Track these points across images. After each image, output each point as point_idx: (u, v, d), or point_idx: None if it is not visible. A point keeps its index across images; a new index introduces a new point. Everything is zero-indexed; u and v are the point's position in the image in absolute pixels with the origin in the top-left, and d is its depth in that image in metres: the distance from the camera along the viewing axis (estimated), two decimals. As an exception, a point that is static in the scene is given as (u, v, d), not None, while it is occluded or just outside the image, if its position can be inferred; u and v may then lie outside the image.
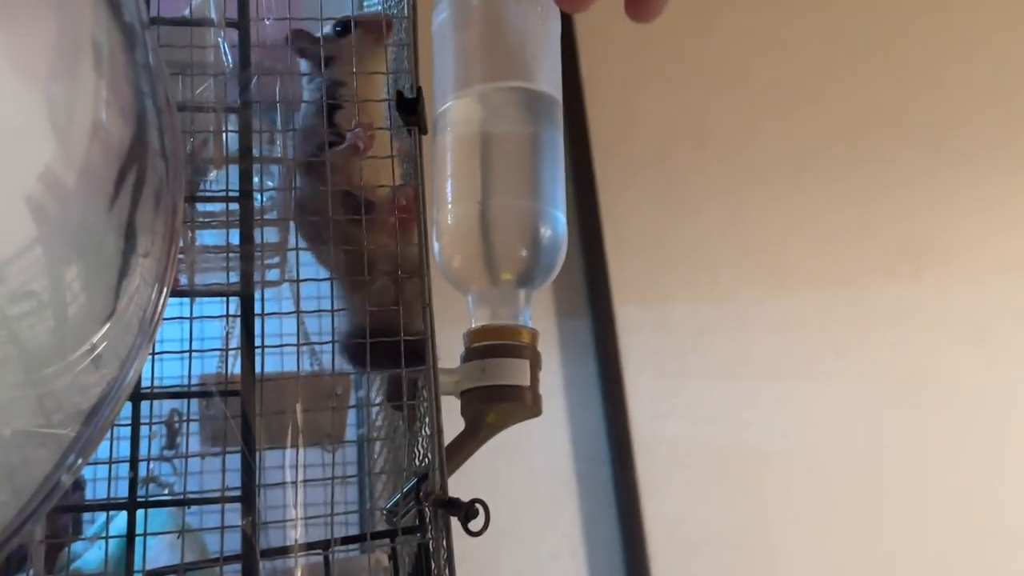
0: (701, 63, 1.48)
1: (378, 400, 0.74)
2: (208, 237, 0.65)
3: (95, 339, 0.35)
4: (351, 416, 0.89)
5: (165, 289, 0.38)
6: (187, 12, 0.56)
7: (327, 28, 0.63)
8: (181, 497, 0.46)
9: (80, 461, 0.34)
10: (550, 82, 0.57)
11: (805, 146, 1.46)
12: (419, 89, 0.55)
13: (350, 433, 0.88)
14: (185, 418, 0.61)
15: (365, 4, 0.70)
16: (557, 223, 0.55)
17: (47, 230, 0.32)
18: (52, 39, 0.32)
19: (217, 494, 0.46)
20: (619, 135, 1.42)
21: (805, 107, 1.47)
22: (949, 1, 1.56)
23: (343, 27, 0.63)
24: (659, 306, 1.37)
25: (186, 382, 0.51)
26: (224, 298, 0.49)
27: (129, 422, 0.47)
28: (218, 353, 0.53)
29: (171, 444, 0.76)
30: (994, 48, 1.54)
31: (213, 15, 0.52)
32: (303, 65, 0.63)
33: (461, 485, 0.49)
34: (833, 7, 1.54)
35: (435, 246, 0.54)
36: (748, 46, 1.50)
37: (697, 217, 1.41)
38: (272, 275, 0.70)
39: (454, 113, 0.56)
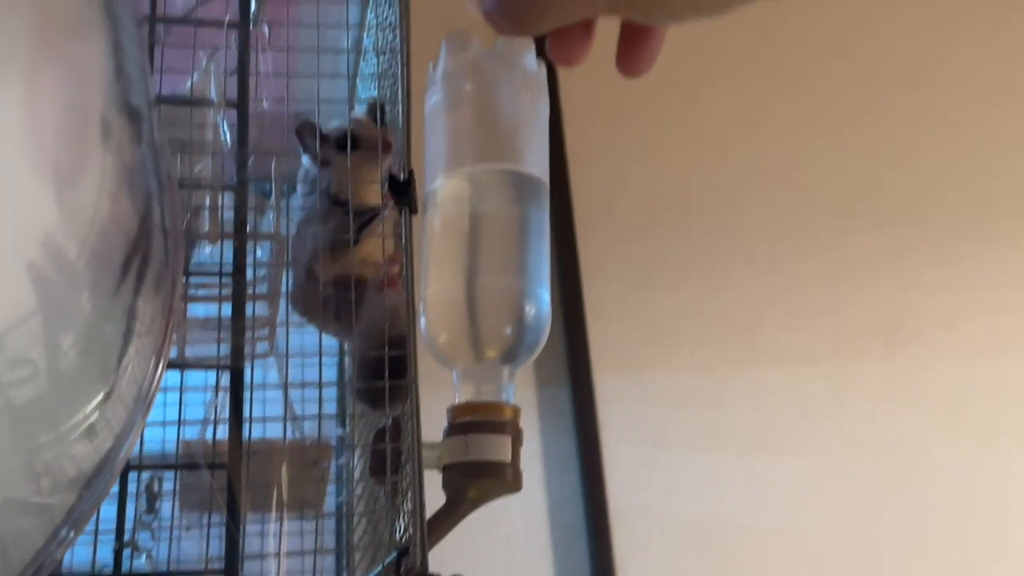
0: (683, 140, 1.51)
1: (358, 472, 0.75)
2: (194, 308, 0.65)
3: (88, 410, 0.36)
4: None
5: (161, 363, 0.38)
6: (188, 86, 0.58)
7: (332, 125, 0.65)
8: (165, 572, 0.46)
9: (72, 534, 0.34)
10: (538, 165, 0.58)
11: (783, 224, 1.48)
12: (411, 172, 0.56)
13: (328, 503, 0.88)
14: (172, 488, 0.61)
15: (360, 86, 0.72)
16: (542, 302, 0.56)
17: (48, 300, 0.32)
18: (62, 111, 0.33)
19: (199, 564, 0.46)
20: (601, 208, 1.44)
21: (783, 185, 1.50)
22: (925, 84, 1.60)
23: (343, 143, 0.64)
24: (638, 377, 1.38)
25: (167, 447, 0.52)
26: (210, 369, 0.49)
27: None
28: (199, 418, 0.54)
29: (151, 509, 0.75)
30: (969, 130, 1.58)
31: (213, 95, 0.53)
32: (304, 159, 0.65)
33: (435, 554, 0.50)
34: (812, 88, 1.57)
35: (421, 321, 0.55)
36: (729, 124, 1.53)
37: (677, 290, 1.42)
38: (261, 347, 0.71)
39: (444, 192, 0.57)
